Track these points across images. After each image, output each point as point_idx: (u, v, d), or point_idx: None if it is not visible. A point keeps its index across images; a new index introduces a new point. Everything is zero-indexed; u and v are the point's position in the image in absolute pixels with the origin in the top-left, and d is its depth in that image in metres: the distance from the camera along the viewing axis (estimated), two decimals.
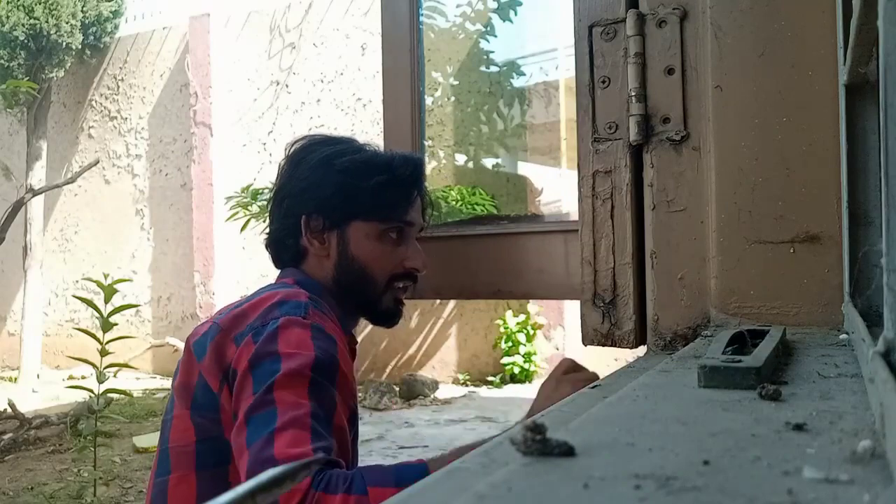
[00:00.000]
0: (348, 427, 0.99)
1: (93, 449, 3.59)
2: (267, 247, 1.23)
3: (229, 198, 5.71)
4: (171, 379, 1.18)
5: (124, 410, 5.40)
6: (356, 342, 1.20)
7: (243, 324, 1.01)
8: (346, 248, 1.14)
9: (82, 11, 7.87)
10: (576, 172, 1.02)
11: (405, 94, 1.37)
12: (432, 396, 6.30)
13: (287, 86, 7.37)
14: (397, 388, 6.35)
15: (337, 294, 1.15)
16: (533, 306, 6.64)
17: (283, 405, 0.89)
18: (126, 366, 4.09)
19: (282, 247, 1.19)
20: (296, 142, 1.22)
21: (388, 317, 1.19)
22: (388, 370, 7.08)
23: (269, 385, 0.91)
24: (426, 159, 1.42)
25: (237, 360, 0.98)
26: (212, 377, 1.01)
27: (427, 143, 1.42)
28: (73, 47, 7.83)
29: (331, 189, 1.13)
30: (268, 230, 1.23)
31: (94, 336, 3.54)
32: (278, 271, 1.22)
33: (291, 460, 0.81)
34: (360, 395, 6.23)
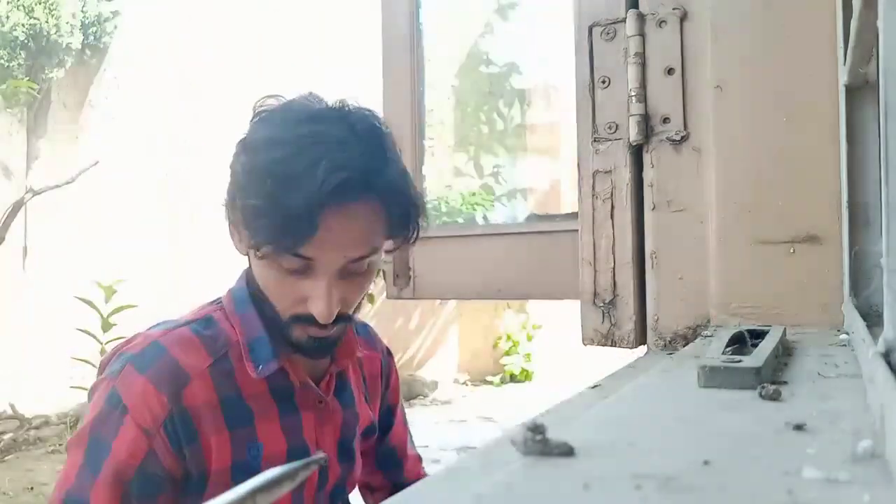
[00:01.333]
0: (228, 474, 0.91)
1: None
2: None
3: None
4: None
5: None
6: (266, 374, 0.93)
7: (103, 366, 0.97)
8: (251, 259, 0.92)
9: (82, 11, 7.87)
10: (576, 172, 1.02)
11: (405, 94, 1.37)
12: (432, 396, 6.30)
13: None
14: None
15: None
16: (533, 306, 6.64)
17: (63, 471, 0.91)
18: None
19: (231, 234, 0.98)
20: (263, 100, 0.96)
21: (302, 352, 0.93)
22: None
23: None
24: (426, 159, 1.41)
25: None
26: None
27: (427, 143, 1.41)
28: (73, 47, 7.83)
29: (229, 186, 0.90)
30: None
31: (94, 336, 3.54)
32: None
33: None
34: None
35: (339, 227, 0.84)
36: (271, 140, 0.86)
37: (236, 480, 0.91)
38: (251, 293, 0.97)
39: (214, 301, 1.03)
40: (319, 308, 0.87)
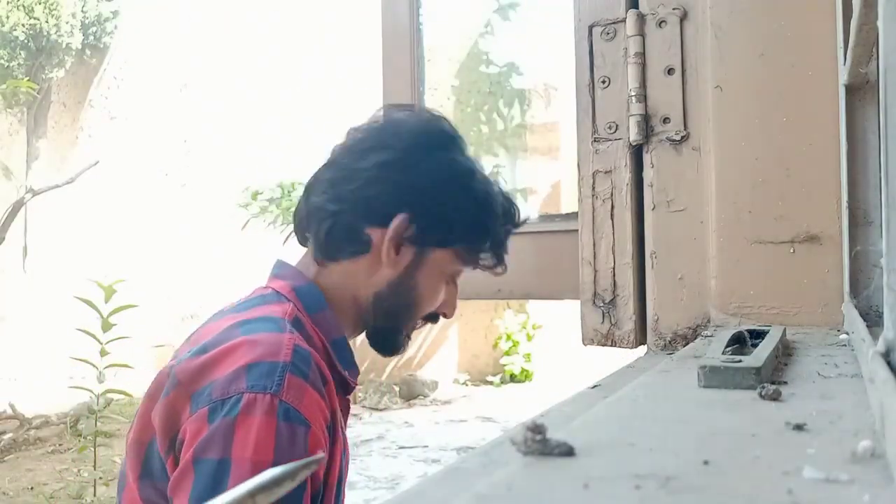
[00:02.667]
0: (333, 497, 0.88)
1: (93, 449, 3.59)
2: (313, 214, 0.97)
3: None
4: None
5: (124, 410, 5.40)
6: (357, 374, 0.99)
7: (204, 380, 0.82)
8: (414, 271, 0.96)
9: (82, 11, 7.87)
10: (576, 172, 1.02)
11: (405, 94, 1.37)
12: (432, 396, 6.30)
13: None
14: (397, 388, 6.35)
15: (366, 312, 0.98)
16: (533, 306, 6.64)
17: None
18: (126, 366, 4.09)
19: (343, 227, 0.95)
20: (402, 109, 1.01)
21: (394, 349, 1.03)
22: (388, 370, 7.08)
23: (213, 496, 0.77)
24: None
25: (185, 430, 0.81)
26: (162, 439, 0.83)
27: None
28: (73, 47, 7.83)
29: (451, 209, 0.95)
30: (323, 191, 0.97)
31: (94, 336, 3.54)
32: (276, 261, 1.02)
33: None
34: (360, 394, 6.24)
35: None
36: (481, 171, 1.01)
37: (338, 495, 0.91)
38: (321, 294, 0.96)
39: (268, 294, 0.96)
40: (453, 308, 1.05)
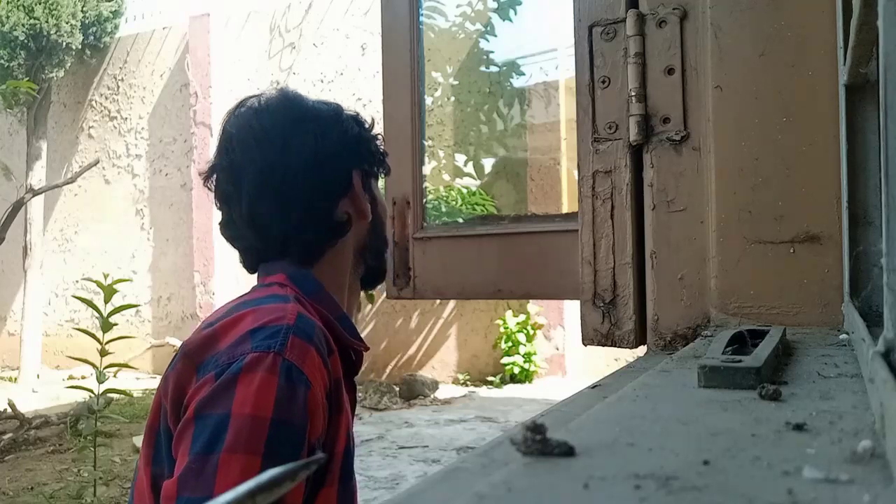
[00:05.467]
0: (339, 467, 0.88)
1: (93, 449, 3.59)
2: (283, 242, 0.97)
3: None
4: None
5: (124, 410, 5.40)
6: (362, 344, 1.00)
7: (210, 351, 0.83)
8: (375, 207, 1.05)
9: (82, 11, 7.87)
10: (576, 172, 1.02)
11: (405, 94, 1.37)
12: (432, 396, 6.30)
13: (287, 86, 7.39)
14: (397, 388, 6.35)
15: (363, 268, 1.05)
16: (533, 306, 6.64)
17: (223, 485, 0.73)
18: (126, 366, 4.09)
19: (325, 227, 0.97)
20: (266, 96, 1.01)
21: (384, 278, 1.14)
22: (388, 370, 7.09)
23: (213, 454, 0.75)
24: (426, 159, 1.41)
25: (192, 396, 0.81)
26: (172, 410, 0.83)
27: (427, 143, 1.41)
28: (73, 47, 7.83)
29: (359, 140, 1.02)
30: (280, 215, 0.95)
31: (94, 336, 3.55)
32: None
33: None
34: (360, 395, 6.23)
35: None
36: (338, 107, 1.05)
37: (347, 464, 0.91)
38: (317, 280, 0.98)
39: (268, 286, 0.97)
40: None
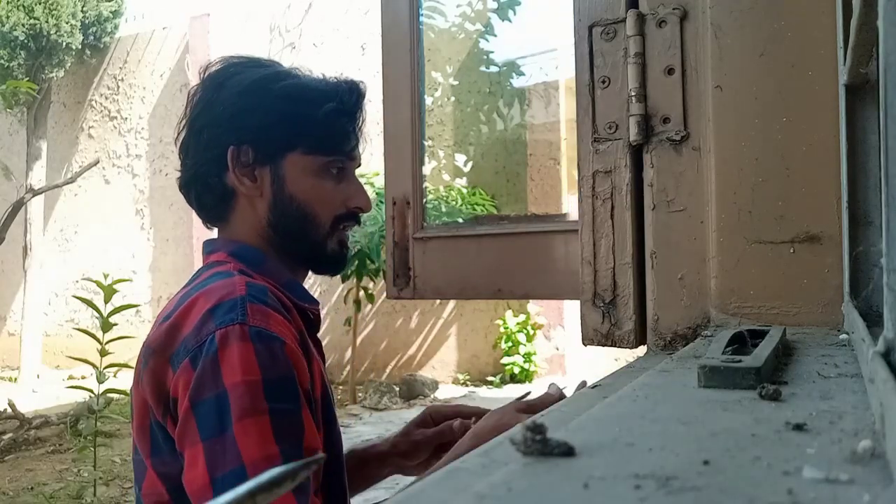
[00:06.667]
0: (321, 412, 0.92)
1: (93, 449, 3.59)
2: (183, 188, 1.04)
3: None
4: None
5: (124, 410, 5.40)
6: (317, 305, 1.03)
7: (176, 341, 0.86)
8: (282, 186, 1.00)
9: (82, 11, 7.87)
10: (576, 172, 1.02)
11: (405, 94, 1.37)
12: (432, 396, 6.30)
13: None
14: (397, 388, 6.35)
15: (279, 244, 1.02)
16: (533, 306, 6.64)
17: (252, 462, 0.77)
18: (126, 366, 4.09)
19: (203, 187, 1.02)
20: (213, 63, 1.07)
21: (334, 262, 1.06)
22: (388, 370, 7.08)
23: (226, 431, 0.78)
24: (426, 159, 1.41)
25: (175, 387, 0.84)
26: (156, 407, 0.87)
27: (427, 143, 1.41)
28: (73, 47, 7.83)
29: (267, 116, 0.99)
30: (182, 168, 1.04)
31: (93, 336, 3.55)
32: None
33: None
34: (360, 395, 6.24)
35: (360, 133, 1.06)
36: (287, 72, 1.07)
37: (328, 410, 0.95)
38: (253, 247, 1.01)
39: (208, 266, 1.01)
40: (364, 199, 1.04)
